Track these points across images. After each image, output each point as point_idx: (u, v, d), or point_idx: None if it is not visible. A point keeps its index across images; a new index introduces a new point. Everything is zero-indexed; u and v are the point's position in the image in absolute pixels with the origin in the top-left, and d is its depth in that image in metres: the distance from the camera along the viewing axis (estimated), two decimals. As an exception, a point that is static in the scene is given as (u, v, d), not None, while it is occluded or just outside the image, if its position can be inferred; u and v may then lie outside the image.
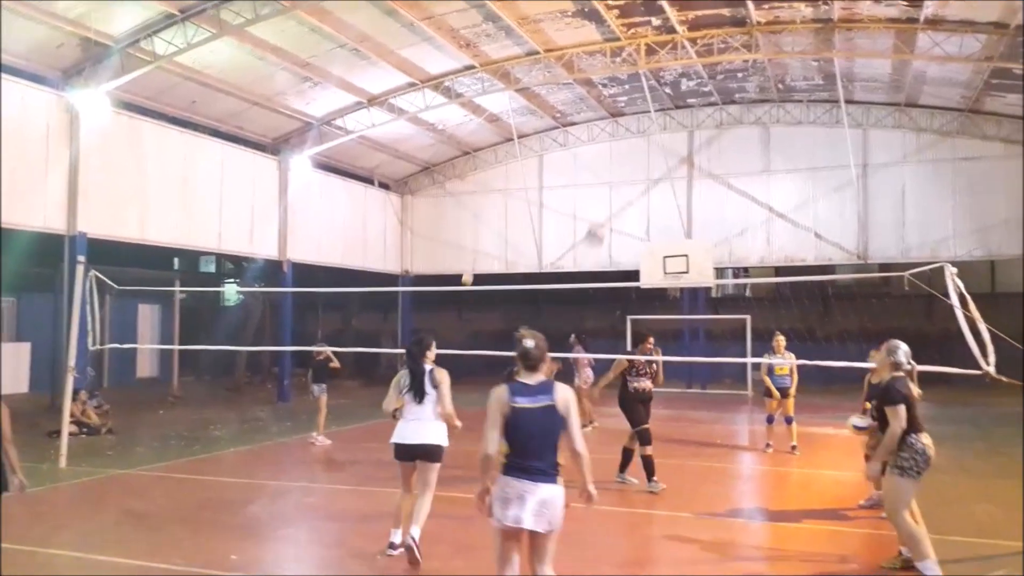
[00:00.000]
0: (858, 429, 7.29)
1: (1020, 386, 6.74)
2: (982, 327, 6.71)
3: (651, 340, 9.22)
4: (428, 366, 6.57)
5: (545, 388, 4.34)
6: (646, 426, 8.87)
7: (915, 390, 6.05)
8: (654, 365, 9.12)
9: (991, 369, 6.52)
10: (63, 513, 8.44)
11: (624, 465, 9.24)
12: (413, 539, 6.15)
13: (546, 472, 4.26)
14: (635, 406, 8.94)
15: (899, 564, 5.97)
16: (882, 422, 5.90)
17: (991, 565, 6.15)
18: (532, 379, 4.37)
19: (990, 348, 6.60)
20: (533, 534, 4.28)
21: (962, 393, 17.77)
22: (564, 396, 4.33)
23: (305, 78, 17.98)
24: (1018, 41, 15.21)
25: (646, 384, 9.01)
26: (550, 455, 4.30)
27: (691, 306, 24.12)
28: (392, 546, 6.44)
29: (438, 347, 6.77)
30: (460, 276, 22.27)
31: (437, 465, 6.52)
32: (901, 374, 5.99)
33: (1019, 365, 6.84)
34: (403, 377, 6.57)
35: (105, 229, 15.59)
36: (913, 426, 5.79)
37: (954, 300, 6.93)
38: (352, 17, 15.41)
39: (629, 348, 9.28)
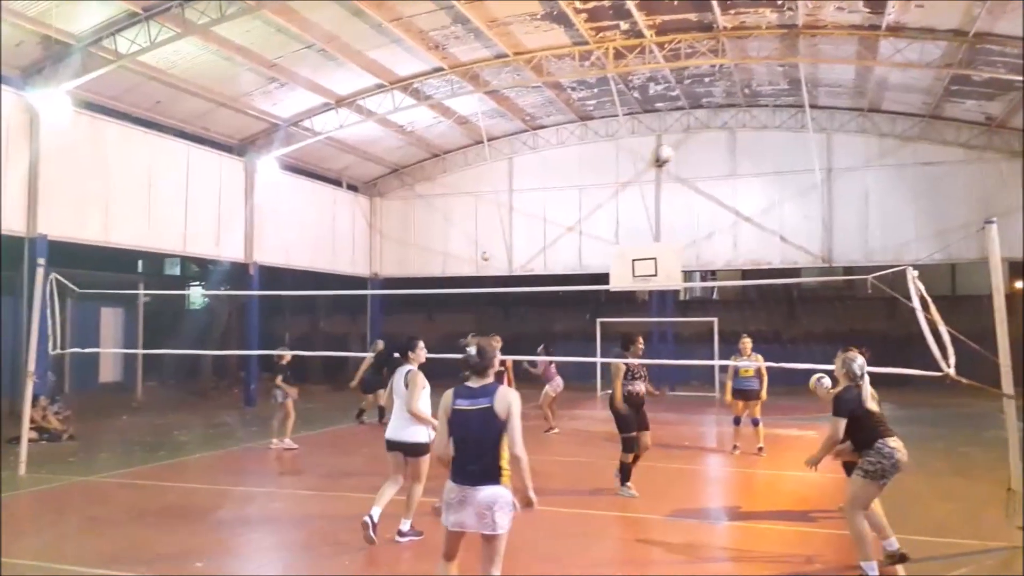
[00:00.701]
0: (821, 386, 7.48)
1: (979, 387, 6.87)
2: (943, 329, 6.85)
3: (641, 341, 9.07)
4: (409, 367, 6.95)
5: (487, 391, 4.39)
6: (634, 434, 8.61)
7: (870, 393, 6.14)
8: (645, 367, 8.99)
9: (951, 371, 6.66)
10: (23, 521, 8.22)
11: (625, 477, 8.86)
12: (371, 517, 6.55)
13: (485, 474, 4.29)
14: (626, 411, 8.68)
15: (887, 561, 6.02)
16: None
17: (951, 564, 6.26)
18: (477, 383, 4.44)
19: (950, 350, 6.73)
20: (483, 535, 4.30)
21: (923, 394, 18.10)
22: (504, 398, 4.35)
23: (272, 79, 17.80)
24: (977, 48, 15.56)
25: (640, 388, 8.80)
26: (489, 457, 4.30)
27: (659, 309, 24.29)
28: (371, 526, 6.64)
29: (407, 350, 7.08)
30: (431, 279, 22.69)
31: (422, 458, 6.81)
32: (852, 385, 6.04)
33: (978, 367, 6.97)
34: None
35: (67, 231, 15.29)
36: (878, 432, 5.90)
37: (916, 303, 7.06)
38: (319, 17, 15.28)
39: (619, 350, 8.98)
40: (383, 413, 14.70)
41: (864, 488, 5.86)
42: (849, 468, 6.38)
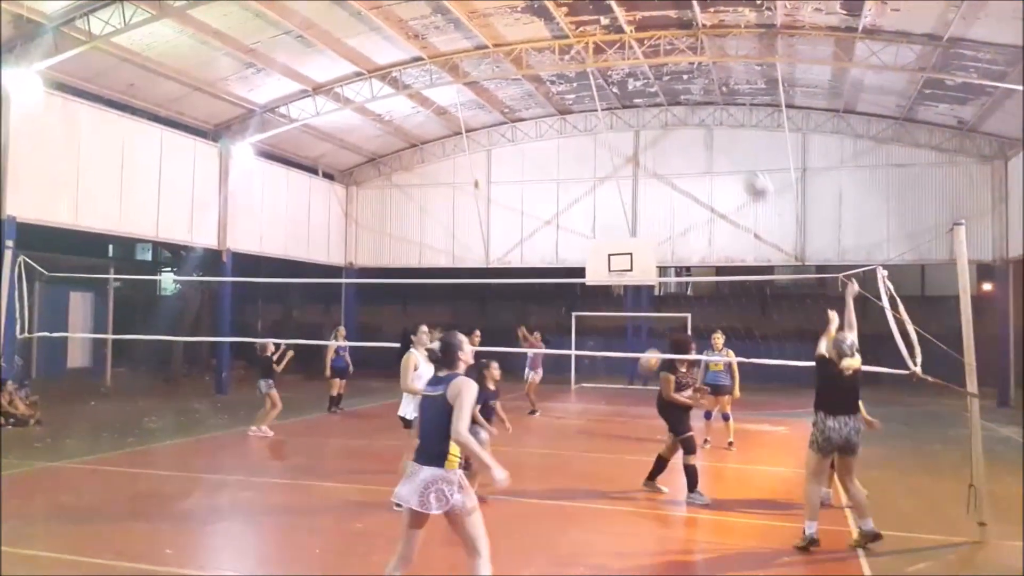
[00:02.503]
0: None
1: (945, 386, 7.01)
2: (910, 329, 6.97)
3: (692, 345, 8.92)
4: (410, 351, 7.98)
5: (446, 379, 4.63)
6: (691, 434, 8.47)
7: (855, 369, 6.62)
8: (694, 370, 8.92)
9: (918, 369, 6.79)
10: (-13, 507, 8.13)
11: (655, 473, 8.76)
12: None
13: (430, 456, 4.53)
14: (681, 413, 8.54)
15: (861, 541, 6.46)
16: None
17: (914, 558, 6.39)
18: (444, 372, 4.71)
19: (918, 349, 6.86)
20: (447, 518, 4.55)
21: (892, 393, 18.37)
22: (456, 386, 4.57)
23: (248, 64, 17.61)
24: (950, 53, 15.79)
25: (688, 393, 8.67)
26: (437, 441, 4.54)
27: (634, 303, 24.45)
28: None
29: (382, 340, 7.60)
30: (406, 269, 22.69)
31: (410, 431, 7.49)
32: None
33: (945, 366, 7.11)
34: None
35: (36, 213, 15.03)
36: (824, 407, 6.56)
37: (885, 302, 7.18)
38: (298, 3, 15.12)
39: (667, 357, 8.71)
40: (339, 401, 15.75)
41: (810, 458, 6.65)
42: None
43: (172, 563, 6.05)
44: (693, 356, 8.99)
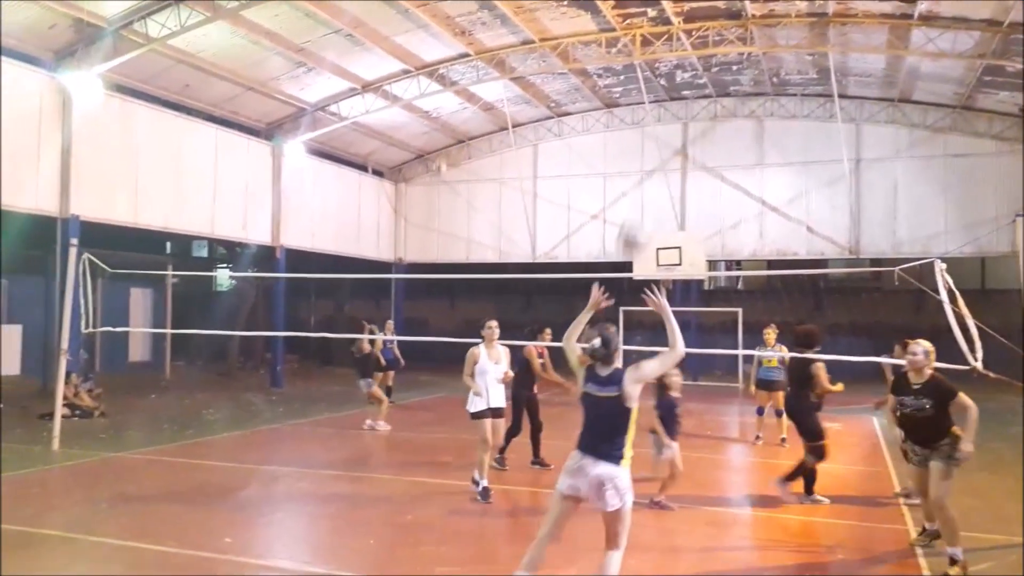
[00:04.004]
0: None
1: (1007, 382, 6.83)
2: (971, 323, 6.80)
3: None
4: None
5: (615, 379, 4.63)
6: (826, 441, 7.95)
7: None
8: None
9: (978, 365, 6.61)
10: (55, 494, 8.46)
11: (811, 483, 8.03)
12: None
13: (605, 454, 4.56)
14: (817, 416, 8.04)
15: (927, 540, 6.36)
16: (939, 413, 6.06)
17: (974, 558, 6.24)
18: (605, 370, 4.66)
19: (978, 344, 6.68)
20: (604, 514, 4.58)
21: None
22: (629, 384, 4.58)
23: (299, 63, 17.91)
24: (1011, 39, 15.29)
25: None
26: (612, 440, 4.59)
27: (683, 298, 24.16)
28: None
29: (429, 335, 7.66)
30: (454, 264, 22.56)
31: (474, 422, 8.03)
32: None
33: (1006, 362, 6.92)
34: None
35: (98, 212, 15.54)
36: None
37: (943, 296, 7.02)
38: (346, 3, 15.35)
39: (799, 349, 8.17)
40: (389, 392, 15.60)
41: (952, 478, 6.06)
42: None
43: (231, 552, 6.21)
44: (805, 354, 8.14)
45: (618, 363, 4.70)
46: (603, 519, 4.60)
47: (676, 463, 7.83)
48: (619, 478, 4.50)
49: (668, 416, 7.81)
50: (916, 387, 6.12)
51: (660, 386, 7.78)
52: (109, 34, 14.80)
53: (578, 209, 24.11)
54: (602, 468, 4.49)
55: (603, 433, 4.58)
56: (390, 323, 16.18)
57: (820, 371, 7.93)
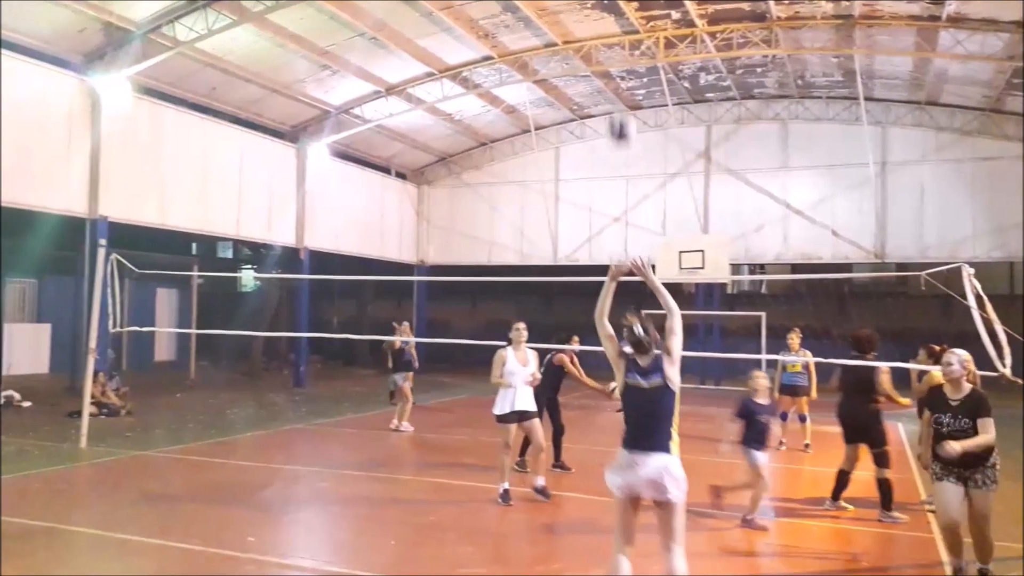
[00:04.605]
0: None
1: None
2: (999, 329, 6.70)
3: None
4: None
5: (656, 368, 4.59)
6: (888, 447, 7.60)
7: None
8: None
9: (1007, 371, 6.51)
10: (83, 492, 8.60)
11: (840, 490, 7.90)
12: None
13: (656, 443, 4.51)
14: (883, 421, 7.67)
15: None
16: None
17: (1001, 567, 6.16)
18: (645, 360, 4.63)
19: (1007, 350, 6.58)
20: (657, 504, 4.54)
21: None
22: (670, 369, 4.58)
23: (324, 66, 18.05)
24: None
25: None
26: (662, 428, 4.54)
27: (706, 302, 24.08)
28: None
29: (451, 336, 7.54)
30: (475, 267, 22.41)
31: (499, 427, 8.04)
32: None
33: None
34: None
35: (126, 213, 15.76)
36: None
37: (971, 301, 6.92)
38: (371, 5, 15.45)
39: (860, 356, 7.79)
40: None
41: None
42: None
43: (254, 550, 6.27)
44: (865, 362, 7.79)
45: (656, 350, 4.62)
46: (658, 516, 4.52)
47: (762, 476, 7.23)
48: (673, 466, 4.44)
49: (753, 424, 7.22)
50: (954, 403, 5.55)
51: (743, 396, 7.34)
52: (138, 37, 14.99)
53: (600, 211, 24.08)
54: (655, 459, 4.43)
55: (651, 423, 4.53)
56: (405, 324, 16.01)
57: (885, 377, 7.58)
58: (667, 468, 4.42)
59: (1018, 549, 6.59)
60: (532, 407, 7.96)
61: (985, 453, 5.51)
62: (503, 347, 8.13)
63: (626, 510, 4.55)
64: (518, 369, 7.93)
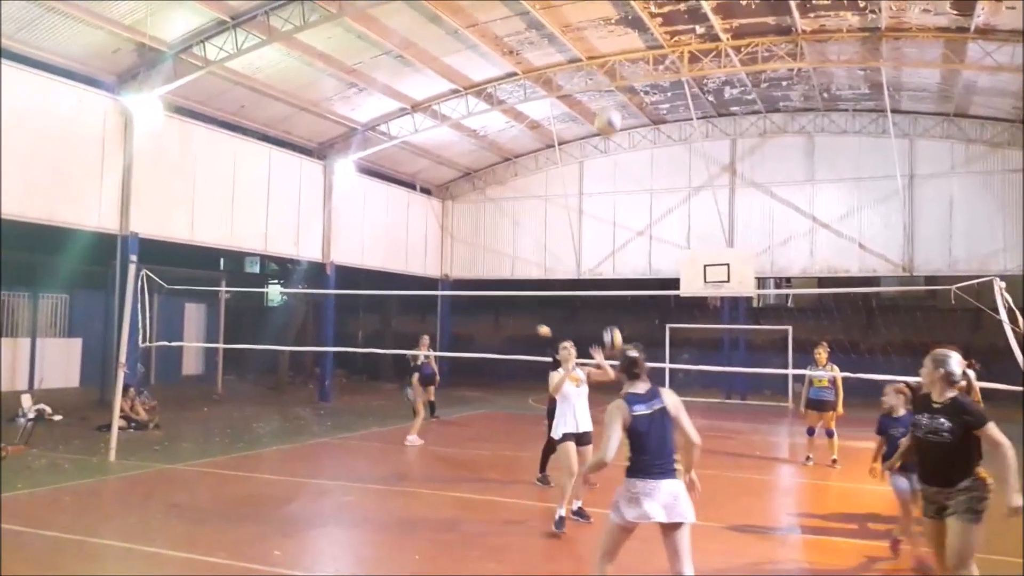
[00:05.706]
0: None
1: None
2: (1030, 343, 6.61)
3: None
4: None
5: (654, 394, 4.84)
6: None
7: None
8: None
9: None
10: (112, 505, 8.71)
11: None
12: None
13: (666, 469, 4.70)
14: None
15: None
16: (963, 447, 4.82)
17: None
18: (642, 387, 4.84)
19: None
20: (665, 528, 4.68)
21: (1005, 410, 17.33)
22: (670, 397, 4.85)
23: (351, 84, 18.27)
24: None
25: None
26: (669, 453, 4.76)
27: (731, 316, 23.92)
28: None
29: (475, 351, 7.48)
30: (499, 281, 22.52)
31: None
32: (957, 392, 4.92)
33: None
34: None
35: (156, 229, 16.01)
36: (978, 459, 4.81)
37: (1003, 315, 6.84)
38: (397, 24, 15.63)
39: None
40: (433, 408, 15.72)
41: (978, 534, 4.68)
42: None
43: (280, 564, 6.32)
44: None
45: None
46: (668, 540, 4.63)
47: (907, 500, 6.50)
48: (683, 489, 4.65)
49: (892, 443, 6.62)
50: (936, 405, 4.90)
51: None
52: (169, 57, 15.29)
53: (624, 225, 24.06)
54: (667, 483, 4.59)
55: (659, 448, 4.67)
56: (425, 338, 15.82)
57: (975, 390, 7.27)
58: (680, 490, 4.60)
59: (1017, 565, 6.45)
60: (590, 427, 7.75)
61: (963, 470, 4.77)
62: (553, 370, 8.09)
63: (622, 532, 4.71)
64: (572, 391, 7.84)
